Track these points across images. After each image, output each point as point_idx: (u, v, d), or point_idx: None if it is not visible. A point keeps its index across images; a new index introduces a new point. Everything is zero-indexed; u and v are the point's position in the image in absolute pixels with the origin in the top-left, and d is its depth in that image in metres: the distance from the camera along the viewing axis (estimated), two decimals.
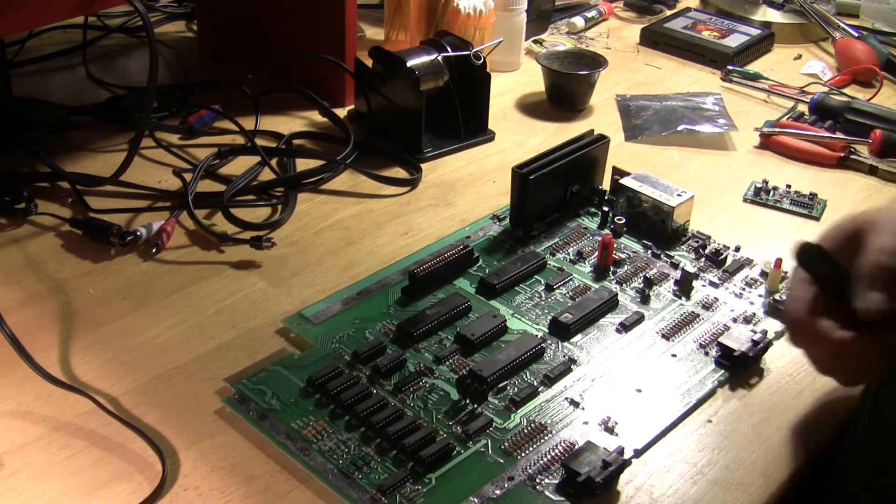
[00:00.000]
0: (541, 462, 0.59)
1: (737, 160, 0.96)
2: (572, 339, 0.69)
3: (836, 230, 0.60)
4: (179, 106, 0.97)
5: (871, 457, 0.60)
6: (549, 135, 0.99)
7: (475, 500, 0.56)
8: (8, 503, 0.56)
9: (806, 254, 0.58)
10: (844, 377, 0.61)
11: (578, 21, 1.22)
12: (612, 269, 0.76)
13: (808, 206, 0.87)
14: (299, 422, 0.61)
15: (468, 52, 0.93)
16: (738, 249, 0.79)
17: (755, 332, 0.69)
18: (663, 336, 0.70)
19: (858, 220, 0.59)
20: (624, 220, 0.80)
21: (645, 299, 0.73)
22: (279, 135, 0.95)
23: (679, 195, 0.80)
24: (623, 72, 1.13)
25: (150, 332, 0.69)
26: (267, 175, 0.88)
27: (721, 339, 0.68)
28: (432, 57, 0.92)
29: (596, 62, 1.03)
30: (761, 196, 0.88)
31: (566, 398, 0.64)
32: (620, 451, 0.59)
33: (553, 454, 0.60)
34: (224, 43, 1.11)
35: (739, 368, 0.67)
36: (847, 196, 0.90)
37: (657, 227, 0.80)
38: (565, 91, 1.03)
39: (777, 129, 0.98)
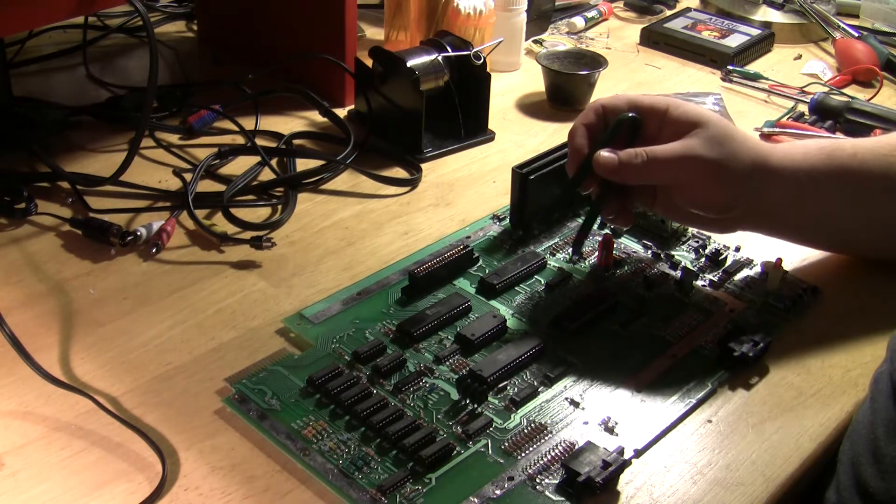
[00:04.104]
0: (541, 462, 0.59)
1: None
2: (572, 339, 0.69)
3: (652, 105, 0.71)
4: (179, 106, 0.97)
5: None
6: (549, 135, 0.99)
7: (475, 500, 0.56)
8: (8, 503, 0.56)
9: (630, 123, 0.70)
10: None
11: (578, 21, 1.22)
12: (612, 269, 0.76)
13: None
14: (299, 422, 0.61)
15: (468, 52, 0.93)
16: (738, 249, 0.79)
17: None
18: (663, 336, 0.70)
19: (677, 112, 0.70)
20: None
21: (645, 299, 0.73)
22: (279, 135, 0.95)
23: None
24: (623, 72, 1.13)
25: (150, 332, 0.69)
26: (267, 175, 0.88)
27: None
28: (432, 57, 0.92)
29: (596, 62, 1.03)
30: None
31: (566, 398, 0.64)
32: (620, 451, 0.59)
33: (553, 454, 0.60)
34: (224, 43, 1.11)
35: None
36: None
37: (657, 227, 0.80)
38: (565, 91, 1.03)
39: (777, 130, 0.98)
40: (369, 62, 0.95)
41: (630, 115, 0.70)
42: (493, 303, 0.72)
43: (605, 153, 0.69)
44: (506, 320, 0.69)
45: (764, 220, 0.74)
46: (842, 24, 1.19)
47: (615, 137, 0.70)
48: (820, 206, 0.73)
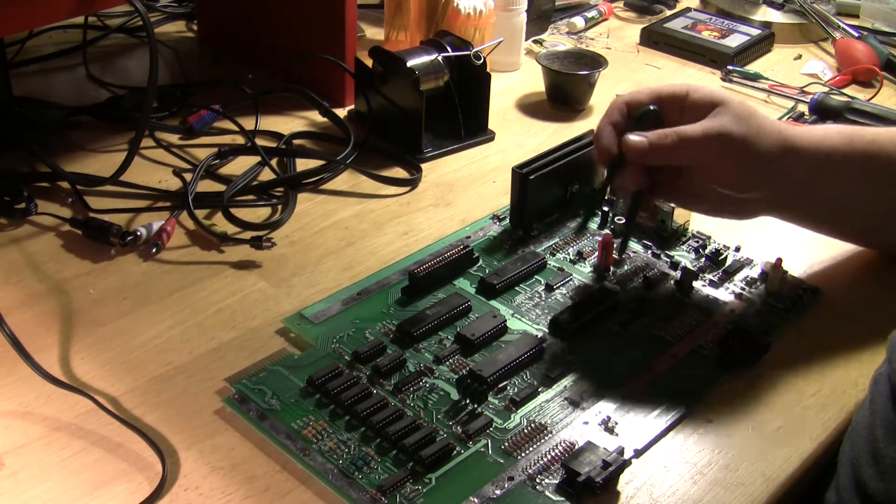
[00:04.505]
0: (541, 462, 0.59)
1: None
2: (572, 339, 0.69)
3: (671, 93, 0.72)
4: (179, 106, 0.97)
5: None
6: (549, 135, 0.99)
7: (475, 500, 0.56)
8: (8, 503, 0.56)
9: (652, 116, 0.71)
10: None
11: (578, 21, 1.22)
12: (612, 269, 0.76)
13: None
14: (299, 422, 0.61)
15: (468, 52, 0.93)
16: (738, 249, 0.79)
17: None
18: (663, 336, 0.70)
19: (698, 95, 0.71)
20: (624, 220, 0.80)
21: (645, 299, 0.73)
22: (279, 135, 0.95)
23: None
24: (623, 72, 1.13)
25: (150, 332, 0.69)
26: (267, 175, 0.88)
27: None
28: (432, 57, 0.92)
29: (596, 62, 1.03)
30: None
31: (566, 398, 0.64)
32: (620, 451, 0.59)
33: (553, 454, 0.60)
34: (224, 43, 1.11)
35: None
36: None
37: (657, 227, 0.80)
38: (565, 91, 1.03)
39: None
40: (369, 62, 0.95)
41: (651, 107, 0.71)
42: (493, 303, 0.72)
43: (633, 136, 0.69)
44: (506, 320, 0.69)
45: (784, 202, 0.74)
46: (842, 24, 1.19)
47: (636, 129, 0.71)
48: (838, 188, 0.74)
